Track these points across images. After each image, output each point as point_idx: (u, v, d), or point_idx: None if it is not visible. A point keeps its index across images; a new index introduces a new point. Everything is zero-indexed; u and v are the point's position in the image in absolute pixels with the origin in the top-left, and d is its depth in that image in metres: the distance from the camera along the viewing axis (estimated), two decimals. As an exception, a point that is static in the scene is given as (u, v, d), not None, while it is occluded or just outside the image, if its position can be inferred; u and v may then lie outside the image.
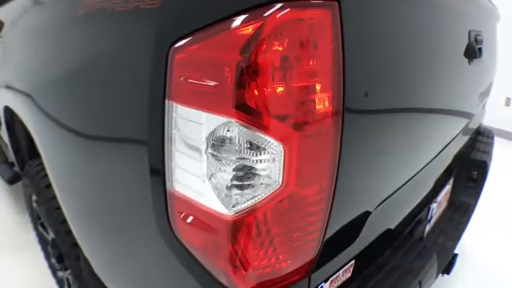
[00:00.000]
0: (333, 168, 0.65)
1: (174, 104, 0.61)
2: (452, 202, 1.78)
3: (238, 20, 0.54)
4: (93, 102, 0.86)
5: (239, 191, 0.58)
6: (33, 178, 1.61)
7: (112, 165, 0.83)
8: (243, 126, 0.55)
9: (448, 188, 1.63)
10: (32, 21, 1.36)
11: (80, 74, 0.91)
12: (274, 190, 0.59)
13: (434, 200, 1.45)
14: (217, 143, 0.57)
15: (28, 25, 1.39)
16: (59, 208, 1.38)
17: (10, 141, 1.98)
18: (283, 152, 0.57)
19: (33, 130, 1.27)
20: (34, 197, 1.75)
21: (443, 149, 1.25)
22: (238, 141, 0.55)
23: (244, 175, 0.57)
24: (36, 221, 1.92)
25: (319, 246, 0.71)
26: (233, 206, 0.59)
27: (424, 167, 1.11)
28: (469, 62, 1.17)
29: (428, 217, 1.44)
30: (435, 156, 1.19)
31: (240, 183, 0.58)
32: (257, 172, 0.57)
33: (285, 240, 0.64)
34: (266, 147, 0.56)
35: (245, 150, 0.56)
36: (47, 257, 1.95)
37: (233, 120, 0.54)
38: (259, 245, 0.62)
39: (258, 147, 0.56)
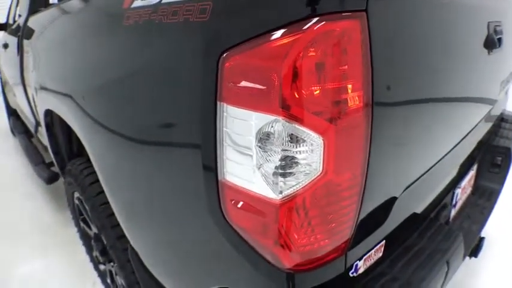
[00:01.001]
0: (364, 157, 0.73)
1: (225, 105, 0.69)
2: (476, 188, 1.80)
3: (280, 33, 0.61)
4: (145, 106, 0.94)
5: (285, 178, 0.66)
6: (77, 176, 1.67)
7: (165, 162, 0.91)
8: (287, 122, 0.62)
9: (471, 174, 1.66)
10: (71, 29, 1.44)
11: (129, 81, 0.98)
12: (314, 177, 0.67)
13: (458, 185, 1.49)
14: (264, 137, 0.65)
15: (67, 33, 1.47)
16: (103, 204, 1.45)
17: (50, 143, 2.05)
18: (321, 144, 0.65)
19: (80, 132, 1.34)
20: (76, 195, 1.82)
21: (465, 137, 1.29)
22: (283, 135, 0.64)
23: (289, 164, 0.65)
24: (78, 217, 1.99)
25: (354, 227, 0.78)
26: (280, 192, 0.67)
27: (446, 155, 1.16)
28: (488, 53, 1.22)
29: (453, 202, 1.48)
30: (457, 144, 1.23)
31: (285, 171, 0.66)
32: (299, 161, 0.65)
33: (321, 221, 0.72)
34: (306, 140, 0.64)
35: (289, 143, 0.64)
36: (89, 251, 2.03)
37: (279, 117, 0.62)
38: (300, 225, 0.70)
39: (299, 140, 0.64)
